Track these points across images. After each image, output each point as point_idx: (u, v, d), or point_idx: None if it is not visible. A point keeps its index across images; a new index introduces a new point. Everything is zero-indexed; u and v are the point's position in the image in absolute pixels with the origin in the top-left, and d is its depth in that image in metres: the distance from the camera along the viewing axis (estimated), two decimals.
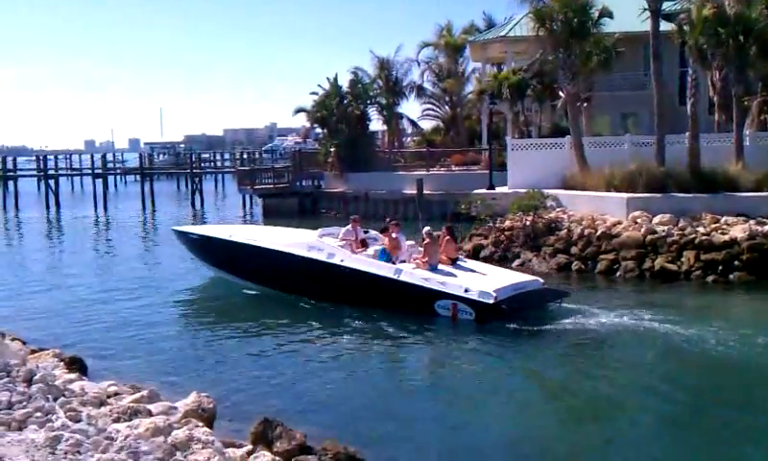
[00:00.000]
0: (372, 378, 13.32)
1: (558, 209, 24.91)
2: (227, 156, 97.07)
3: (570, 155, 27.91)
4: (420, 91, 52.31)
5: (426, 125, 55.20)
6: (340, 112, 41.69)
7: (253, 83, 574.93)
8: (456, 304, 16.17)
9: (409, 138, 54.80)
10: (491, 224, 25.13)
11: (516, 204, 24.35)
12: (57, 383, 8.24)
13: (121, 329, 16.70)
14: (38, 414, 6.88)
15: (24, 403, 7.06)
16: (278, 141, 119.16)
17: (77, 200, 60.60)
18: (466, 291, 16.19)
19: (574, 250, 22.62)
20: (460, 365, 13.94)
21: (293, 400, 11.76)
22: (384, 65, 49.66)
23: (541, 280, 17.88)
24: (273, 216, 40.72)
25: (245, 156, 71.88)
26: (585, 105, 32.59)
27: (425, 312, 16.40)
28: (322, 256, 18.10)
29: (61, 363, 10.58)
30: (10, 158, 66.16)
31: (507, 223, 24.92)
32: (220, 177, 69.85)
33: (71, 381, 8.89)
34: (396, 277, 17.03)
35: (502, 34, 41.58)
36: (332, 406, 11.51)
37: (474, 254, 24.21)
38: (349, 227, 19.15)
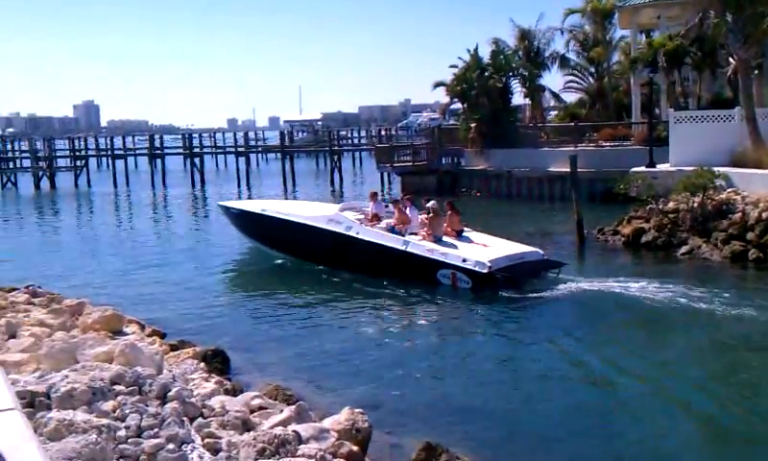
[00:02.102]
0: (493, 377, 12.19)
1: (729, 190, 22.36)
2: (362, 133, 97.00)
3: (741, 128, 25.14)
4: (564, 62, 49.66)
5: (569, 98, 52.60)
6: (480, 86, 39.89)
7: (388, 59, 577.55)
8: (455, 274, 17.31)
9: (552, 112, 52.30)
10: (652, 205, 22.94)
11: (683, 183, 22.01)
12: (194, 399, 7.37)
13: (256, 316, 16.26)
14: (171, 446, 5.99)
15: (156, 430, 6.19)
16: (413, 117, 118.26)
17: (221, 177, 62.02)
18: (464, 261, 17.31)
19: (750, 236, 20.07)
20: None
21: (435, 406, 10.64)
22: (525, 35, 47.45)
23: (541, 252, 18.57)
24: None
25: (382, 133, 71.21)
26: (755, 73, 29.46)
27: (429, 280, 17.51)
28: (340, 229, 19.50)
29: (202, 364, 9.75)
30: (157, 137, 68.63)
31: (671, 204, 22.65)
32: (357, 154, 69.64)
33: (210, 395, 8.00)
34: (403, 248, 18.23)
35: None
36: (480, 413, 10.33)
37: (634, 240, 22.25)
38: (371, 202, 20.68)
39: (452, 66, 41.42)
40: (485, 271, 16.86)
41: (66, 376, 6.93)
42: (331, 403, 10.13)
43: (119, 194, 50.14)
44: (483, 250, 17.89)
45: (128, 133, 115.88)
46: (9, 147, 73.62)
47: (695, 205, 21.78)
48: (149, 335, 11.62)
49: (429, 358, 13.16)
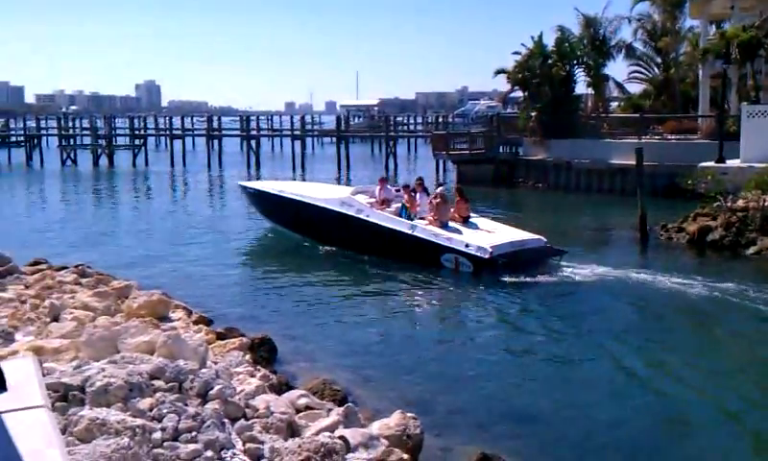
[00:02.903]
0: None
1: None
2: (418, 119, 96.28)
3: None
4: (630, 51, 48.31)
5: (632, 88, 51.15)
6: (543, 74, 38.81)
7: (446, 46, 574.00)
8: (458, 258, 17.82)
9: (615, 103, 50.90)
10: (720, 203, 21.91)
11: (754, 181, 20.95)
12: (237, 398, 6.97)
13: (300, 301, 16.01)
14: (209, 453, 5.58)
15: (194, 434, 5.80)
16: (470, 105, 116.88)
17: (276, 160, 62.03)
18: (466, 246, 17.84)
19: None
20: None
21: (485, 407, 10.08)
22: (590, 23, 46.26)
23: (544, 239, 18.83)
24: (467, 183, 38.92)
25: (439, 119, 70.39)
26: None
27: (433, 264, 18.05)
28: (351, 211, 20.10)
29: (248, 355, 9.32)
30: (215, 118, 69.04)
31: (740, 202, 21.58)
32: (412, 140, 69.01)
33: (255, 393, 7.56)
34: (410, 232, 18.81)
35: None
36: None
37: (700, 238, 21.29)
38: (379, 186, 21.23)
39: (515, 53, 40.42)
40: (486, 256, 17.41)
41: (103, 369, 6.59)
42: (378, 400, 9.87)
43: (175, 174, 50.43)
44: (486, 235, 18.48)
45: (187, 113, 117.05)
46: (71, 124, 74.96)
47: (766, 203, 20.73)
48: (195, 322, 11.30)
49: (468, 352, 12.77)
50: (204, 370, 7.36)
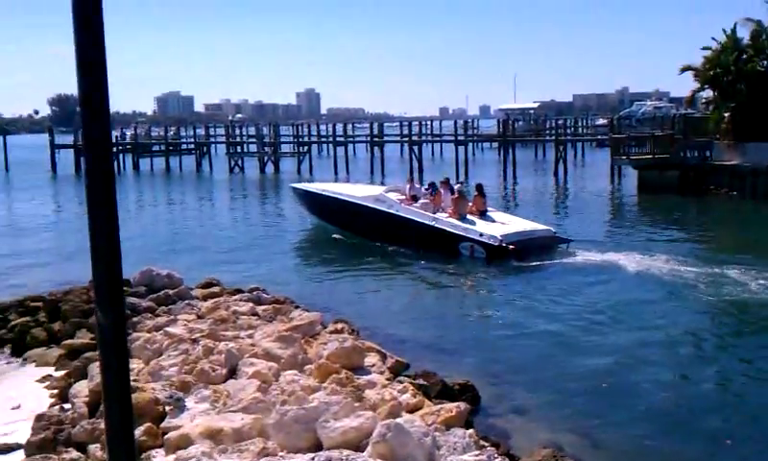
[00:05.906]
0: None
1: None
2: (581, 122, 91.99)
3: None
4: None
5: None
6: (738, 70, 34.93)
7: (602, 47, 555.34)
8: (473, 246, 20.05)
9: None
10: None
11: None
12: None
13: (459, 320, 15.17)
14: None
15: None
16: (636, 106, 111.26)
17: (436, 166, 60.54)
18: (480, 235, 20.08)
19: None
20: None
21: None
22: None
23: (553, 229, 21.57)
24: (649, 191, 35.77)
25: (614, 122, 66.38)
26: None
27: (452, 252, 20.29)
28: (384, 207, 22.48)
29: (471, 429, 7.08)
30: (376, 125, 68.65)
31: None
32: (578, 145, 65.60)
33: None
34: (433, 224, 21.03)
35: None
36: None
37: None
38: (408, 185, 24.15)
39: (704, 48, 36.70)
40: (496, 243, 19.57)
41: None
42: None
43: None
44: (499, 226, 20.77)
45: (345, 120, 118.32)
46: (237, 132, 77.01)
47: None
48: (391, 368, 9.52)
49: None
50: None
